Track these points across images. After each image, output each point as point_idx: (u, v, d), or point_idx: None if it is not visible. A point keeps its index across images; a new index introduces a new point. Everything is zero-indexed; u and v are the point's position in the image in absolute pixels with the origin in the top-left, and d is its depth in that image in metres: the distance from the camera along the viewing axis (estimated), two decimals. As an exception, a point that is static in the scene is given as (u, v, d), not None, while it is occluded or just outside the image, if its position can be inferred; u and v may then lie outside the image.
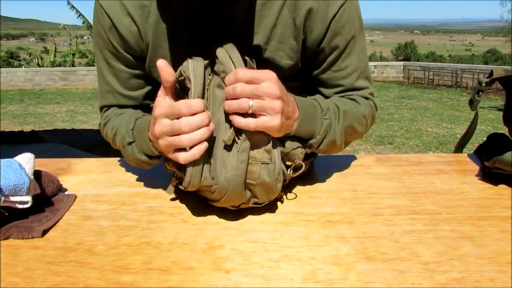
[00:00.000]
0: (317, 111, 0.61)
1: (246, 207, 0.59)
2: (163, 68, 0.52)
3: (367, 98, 0.71)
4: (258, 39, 0.63)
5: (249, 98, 0.52)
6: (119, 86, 0.70)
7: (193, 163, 0.52)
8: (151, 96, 0.72)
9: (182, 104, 0.51)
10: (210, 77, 0.58)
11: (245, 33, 0.63)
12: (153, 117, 0.54)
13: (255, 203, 0.59)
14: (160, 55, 0.66)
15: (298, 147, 0.60)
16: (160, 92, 0.55)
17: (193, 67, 0.55)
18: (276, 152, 0.56)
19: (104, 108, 0.75)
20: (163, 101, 0.54)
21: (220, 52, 0.56)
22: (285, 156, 0.59)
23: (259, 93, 0.52)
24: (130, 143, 0.64)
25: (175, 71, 0.55)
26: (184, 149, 0.52)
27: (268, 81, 0.52)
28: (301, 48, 0.66)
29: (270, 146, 0.55)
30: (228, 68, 0.54)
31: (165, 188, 0.71)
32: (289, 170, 0.60)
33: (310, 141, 0.62)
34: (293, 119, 0.57)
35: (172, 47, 0.65)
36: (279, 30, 0.63)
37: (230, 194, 0.55)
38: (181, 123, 0.50)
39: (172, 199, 0.67)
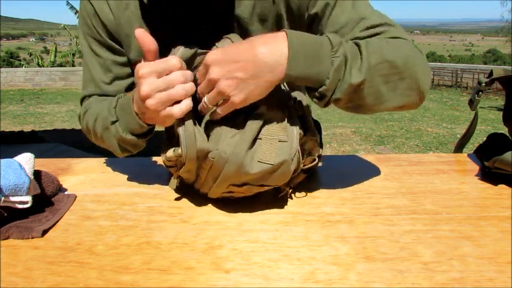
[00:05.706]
0: (324, 48, 0.50)
1: (250, 193, 0.59)
2: (142, 36, 0.50)
3: (396, 38, 0.57)
4: (239, 22, 0.64)
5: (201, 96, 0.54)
6: (101, 73, 0.71)
7: (185, 128, 0.53)
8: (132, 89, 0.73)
9: (173, 60, 0.51)
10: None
11: (226, 16, 0.63)
12: (138, 79, 0.51)
13: (261, 185, 0.58)
14: (135, 43, 0.67)
15: (312, 138, 0.60)
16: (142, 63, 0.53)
17: (182, 53, 0.55)
18: (295, 130, 0.56)
19: (84, 98, 0.75)
20: (146, 63, 0.52)
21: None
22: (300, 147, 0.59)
23: (203, 89, 0.53)
24: (113, 122, 0.61)
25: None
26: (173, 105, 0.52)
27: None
28: (291, 25, 0.64)
29: (285, 123, 0.56)
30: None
31: (165, 188, 0.71)
32: (304, 160, 0.60)
33: (320, 89, 0.50)
34: (257, 70, 0.49)
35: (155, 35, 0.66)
36: (258, 10, 0.63)
37: (230, 164, 0.53)
38: (176, 75, 0.51)
39: (172, 199, 0.67)
